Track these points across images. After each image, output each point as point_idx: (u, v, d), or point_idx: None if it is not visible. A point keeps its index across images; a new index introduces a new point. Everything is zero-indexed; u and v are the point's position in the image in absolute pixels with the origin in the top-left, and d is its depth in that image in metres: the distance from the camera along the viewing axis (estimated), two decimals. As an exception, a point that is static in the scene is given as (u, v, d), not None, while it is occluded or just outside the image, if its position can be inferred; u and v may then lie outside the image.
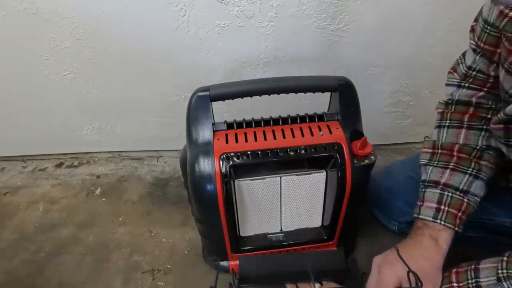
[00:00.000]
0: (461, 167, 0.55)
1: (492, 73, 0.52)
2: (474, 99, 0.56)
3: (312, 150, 0.58)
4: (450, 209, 0.54)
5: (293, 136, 0.60)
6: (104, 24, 0.82)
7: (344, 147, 0.59)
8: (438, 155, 0.58)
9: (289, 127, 0.61)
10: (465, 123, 0.56)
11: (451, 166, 0.56)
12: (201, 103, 0.59)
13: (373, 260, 0.58)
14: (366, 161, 0.59)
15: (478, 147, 0.55)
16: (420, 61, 0.91)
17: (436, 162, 0.58)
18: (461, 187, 0.54)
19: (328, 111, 0.67)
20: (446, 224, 0.53)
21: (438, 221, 0.54)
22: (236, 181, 0.60)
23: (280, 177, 0.61)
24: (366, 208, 0.86)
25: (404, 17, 0.83)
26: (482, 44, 0.51)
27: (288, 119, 0.63)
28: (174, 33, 0.83)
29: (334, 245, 0.72)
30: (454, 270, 0.51)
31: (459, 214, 0.54)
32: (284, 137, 0.60)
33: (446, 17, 0.83)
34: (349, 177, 0.59)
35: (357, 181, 0.59)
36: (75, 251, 0.81)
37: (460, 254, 0.60)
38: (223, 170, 0.57)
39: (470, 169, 0.55)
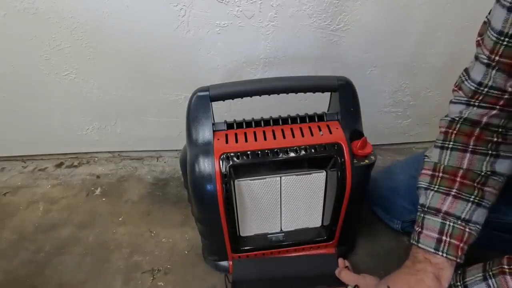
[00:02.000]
0: (464, 194, 0.53)
1: (510, 89, 0.48)
2: (485, 119, 0.52)
3: (312, 150, 0.58)
4: (452, 240, 0.52)
5: (293, 136, 0.60)
6: (104, 24, 0.82)
7: (344, 147, 0.59)
8: (440, 179, 0.55)
9: (289, 127, 0.61)
10: (470, 147, 0.54)
11: (453, 193, 0.53)
12: (201, 103, 0.59)
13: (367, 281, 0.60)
14: (366, 161, 0.59)
15: (482, 173, 0.53)
16: (420, 61, 0.91)
17: (437, 187, 0.55)
18: (463, 216, 0.52)
19: (328, 111, 0.67)
20: (448, 257, 0.51)
21: (440, 253, 0.52)
22: (236, 181, 0.60)
23: (280, 177, 0.61)
24: (367, 207, 0.86)
25: (404, 17, 0.83)
26: (498, 58, 0.47)
27: (288, 119, 0.63)
28: (174, 33, 0.83)
29: (334, 245, 0.72)
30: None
31: (461, 244, 0.52)
32: (284, 137, 0.60)
33: (446, 17, 0.83)
34: (349, 177, 0.59)
35: (357, 181, 0.59)
36: (75, 251, 0.81)
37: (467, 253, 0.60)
38: (223, 170, 0.57)
39: (473, 197, 0.53)
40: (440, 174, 0.55)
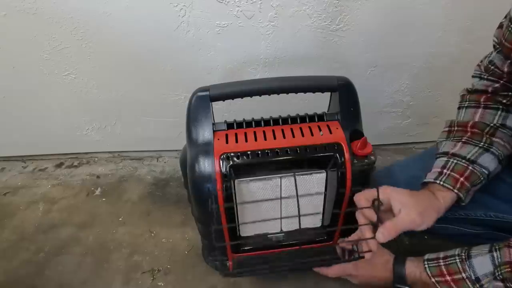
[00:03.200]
0: (473, 141, 0.56)
1: (506, 69, 0.56)
2: (490, 89, 0.59)
3: (312, 150, 0.58)
4: (452, 173, 0.55)
5: (293, 136, 0.60)
6: (104, 24, 0.82)
7: (344, 147, 0.59)
8: (454, 132, 0.60)
9: (289, 127, 0.61)
10: (482, 103, 0.59)
11: (463, 140, 0.57)
12: (201, 103, 0.59)
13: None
14: (366, 161, 0.59)
15: (492, 124, 0.57)
16: (420, 61, 0.91)
17: (451, 139, 0.59)
18: (468, 156, 0.55)
19: (328, 111, 0.67)
20: (445, 185, 0.54)
21: (438, 181, 0.55)
22: (236, 181, 0.60)
23: (280, 177, 0.61)
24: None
25: (404, 17, 0.83)
26: (503, 41, 0.53)
27: (288, 119, 0.63)
28: (174, 33, 0.83)
29: (334, 245, 0.72)
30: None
31: (461, 179, 0.54)
32: (284, 137, 0.60)
33: (446, 17, 0.83)
34: (349, 177, 0.59)
35: (357, 181, 0.59)
36: (75, 251, 0.81)
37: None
38: (223, 170, 0.57)
39: (481, 143, 0.56)
40: (455, 128, 0.60)
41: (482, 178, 0.55)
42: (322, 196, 0.65)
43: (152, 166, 1.08)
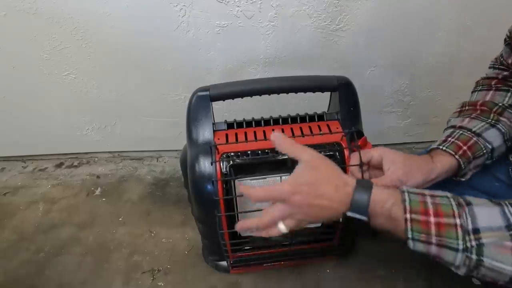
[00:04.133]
0: (480, 117, 0.57)
1: (510, 62, 0.59)
2: (500, 76, 0.61)
3: (312, 149, 0.58)
4: (456, 141, 0.55)
5: (293, 136, 0.60)
6: (104, 24, 0.82)
7: (344, 146, 0.59)
8: (465, 111, 0.61)
9: (289, 127, 0.61)
10: (493, 86, 0.61)
11: (472, 116, 0.58)
12: (201, 103, 0.59)
13: None
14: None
15: (500, 104, 0.58)
16: (420, 61, 0.91)
17: (461, 117, 0.60)
18: (474, 129, 0.56)
19: (328, 110, 0.67)
20: (447, 150, 0.53)
21: (441, 147, 0.54)
22: (236, 181, 0.60)
23: (280, 176, 0.61)
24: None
25: (404, 17, 0.83)
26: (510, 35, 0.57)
27: (288, 119, 0.63)
28: (174, 33, 0.83)
29: (334, 245, 0.72)
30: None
31: (464, 147, 0.54)
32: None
33: (446, 17, 0.83)
34: (349, 176, 0.59)
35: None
36: (75, 251, 0.81)
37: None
38: (223, 169, 0.57)
39: (489, 120, 0.57)
40: (466, 108, 0.61)
41: (484, 151, 0.55)
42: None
43: (152, 166, 1.08)
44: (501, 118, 0.57)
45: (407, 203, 0.39)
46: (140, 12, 0.80)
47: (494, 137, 0.55)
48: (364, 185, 0.42)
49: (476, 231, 0.37)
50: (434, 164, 0.52)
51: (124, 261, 0.79)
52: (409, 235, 0.39)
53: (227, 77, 0.90)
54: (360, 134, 0.62)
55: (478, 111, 0.58)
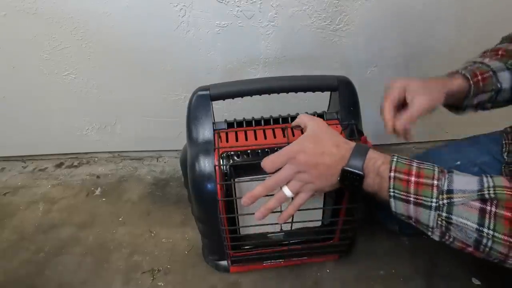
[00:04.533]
0: (499, 59, 0.59)
1: None
2: None
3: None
4: (474, 69, 0.57)
5: (293, 135, 0.60)
6: (104, 24, 0.82)
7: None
8: (486, 54, 0.62)
9: (290, 126, 0.61)
10: None
11: (493, 58, 0.60)
12: (201, 102, 0.59)
13: None
14: None
15: None
16: (420, 61, 0.91)
17: (482, 57, 0.61)
18: (492, 66, 0.58)
19: (328, 110, 0.67)
20: (465, 74, 0.56)
21: (460, 70, 0.57)
22: (236, 180, 0.60)
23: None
24: (366, 207, 0.86)
25: (404, 17, 0.83)
26: None
27: (288, 118, 0.63)
28: (174, 33, 0.83)
29: (334, 244, 0.72)
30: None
31: (479, 77, 0.56)
32: (284, 136, 0.60)
33: (447, 17, 0.83)
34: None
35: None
36: (75, 251, 0.81)
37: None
38: (223, 169, 0.57)
39: (507, 64, 0.58)
40: (488, 52, 0.62)
41: (493, 88, 0.57)
42: (322, 195, 0.66)
43: (152, 166, 1.08)
44: None
45: (393, 164, 0.43)
46: (140, 12, 0.80)
47: (505, 80, 0.58)
48: (362, 146, 0.46)
49: (449, 191, 0.40)
50: (451, 83, 0.56)
51: (124, 261, 0.79)
52: (391, 193, 0.42)
53: (227, 77, 0.90)
54: (360, 133, 0.62)
55: (499, 56, 0.60)
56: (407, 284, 0.73)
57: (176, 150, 1.10)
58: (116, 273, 0.76)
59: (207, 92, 0.59)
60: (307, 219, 0.65)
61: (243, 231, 0.69)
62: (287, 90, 0.61)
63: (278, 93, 0.61)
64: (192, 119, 0.60)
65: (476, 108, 0.61)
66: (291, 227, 0.64)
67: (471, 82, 0.56)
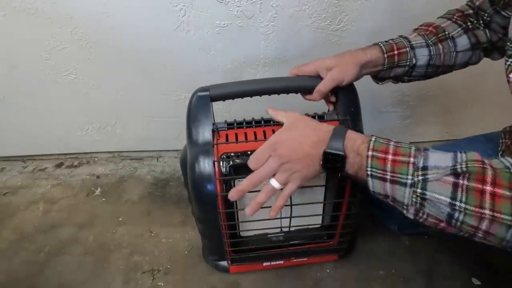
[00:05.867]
0: (424, 36, 0.63)
1: (477, 4, 0.63)
2: (465, 12, 0.65)
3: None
4: (392, 43, 0.62)
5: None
6: (104, 25, 0.82)
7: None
8: (419, 28, 0.66)
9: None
10: (454, 17, 0.65)
11: (420, 33, 0.64)
12: (201, 103, 0.59)
13: None
14: None
15: (447, 33, 0.63)
16: (420, 61, 0.91)
17: (412, 31, 0.66)
18: (412, 42, 0.62)
19: (328, 111, 0.67)
20: (382, 46, 0.62)
21: (379, 43, 0.63)
22: (236, 181, 0.60)
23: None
24: (366, 207, 0.86)
25: (404, 17, 0.83)
26: None
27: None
28: (174, 33, 0.83)
29: (334, 244, 0.72)
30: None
31: (396, 51, 0.61)
32: None
33: (446, 17, 0.83)
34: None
35: (358, 182, 0.59)
36: (75, 251, 0.81)
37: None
38: (223, 170, 0.57)
39: (429, 41, 0.63)
40: (422, 26, 0.66)
41: (408, 63, 0.62)
42: (322, 196, 0.66)
43: (152, 166, 1.08)
44: (439, 45, 0.62)
45: (371, 143, 0.44)
46: (140, 12, 0.80)
47: (421, 56, 0.62)
48: (340, 128, 0.47)
49: (424, 168, 0.40)
50: (363, 53, 0.60)
51: (124, 261, 0.79)
52: (369, 171, 0.43)
53: (227, 77, 0.90)
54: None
55: (428, 31, 0.64)
56: (407, 284, 0.73)
57: (176, 150, 1.10)
58: (116, 273, 0.76)
59: (207, 93, 0.59)
60: (306, 219, 0.65)
61: (243, 232, 0.70)
62: (287, 90, 0.61)
63: (279, 93, 0.61)
64: (192, 119, 0.60)
65: (394, 80, 0.68)
66: (289, 225, 0.64)
67: (385, 55, 0.61)
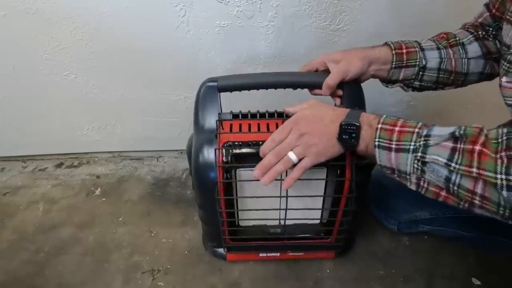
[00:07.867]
0: (436, 41, 0.64)
1: (479, 21, 0.66)
2: (475, 21, 0.67)
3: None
4: (402, 43, 0.63)
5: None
6: (104, 24, 0.82)
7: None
8: (433, 37, 0.67)
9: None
10: (466, 26, 0.67)
11: (432, 39, 0.65)
12: (209, 92, 0.61)
13: None
14: (367, 160, 0.59)
15: (458, 39, 0.64)
16: (420, 61, 0.91)
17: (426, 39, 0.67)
18: (422, 44, 0.63)
19: (335, 105, 0.67)
20: (391, 44, 0.62)
21: (389, 42, 0.63)
22: (237, 170, 0.61)
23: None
24: (365, 206, 0.87)
25: (404, 17, 0.83)
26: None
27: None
28: (174, 33, 0.83)
29: (332, 241, 0.72)
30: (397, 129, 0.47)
31: (404, 50, 0.62)
32: None
33: (447, 17, 0.83)
34: (349, 175, 0.59)
35: (357, 180, 0.59)
36: (75, 251, 0.81)
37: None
38: (225, 158, 0.58)
39: (440, 44, 0.63)
40: (433, 37, 0.67)
41: (417, 62, 0.62)
42: (322, 192, 0.66)
43: (152, 166, 1.08)
44: (450, 49, 0.63)
45: (383, 118, 0.48)
46: (140, 12, 0.80)
47: (432, 58, 0.62)
48: (355, 110, 0.52)
49: (427, 136, 0.43)
50: (372, 50, 0.61)
51: (124, 261, 0.79)
52: (376, 142, 0.46)
53: (227, 77, 0.90)
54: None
55: (439, 37, 0.65)
56: (407, 284, 0.73)
57: (176, 150, 1.10)
58: (116, 273, 0.76)
59: (215, 84, 0.61)
60: (305, 215, 0.65)
61: (242, 222, 0.70)
62: (293, 85, 0.62)
63: (284, 88, 0.62)
64: (199, 107, 0.62)
65: (404, 85, 0.66)
66: (285, 219, 0.65)
67: (393, 52, 0.61)
